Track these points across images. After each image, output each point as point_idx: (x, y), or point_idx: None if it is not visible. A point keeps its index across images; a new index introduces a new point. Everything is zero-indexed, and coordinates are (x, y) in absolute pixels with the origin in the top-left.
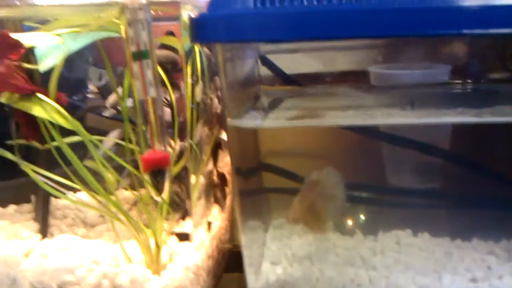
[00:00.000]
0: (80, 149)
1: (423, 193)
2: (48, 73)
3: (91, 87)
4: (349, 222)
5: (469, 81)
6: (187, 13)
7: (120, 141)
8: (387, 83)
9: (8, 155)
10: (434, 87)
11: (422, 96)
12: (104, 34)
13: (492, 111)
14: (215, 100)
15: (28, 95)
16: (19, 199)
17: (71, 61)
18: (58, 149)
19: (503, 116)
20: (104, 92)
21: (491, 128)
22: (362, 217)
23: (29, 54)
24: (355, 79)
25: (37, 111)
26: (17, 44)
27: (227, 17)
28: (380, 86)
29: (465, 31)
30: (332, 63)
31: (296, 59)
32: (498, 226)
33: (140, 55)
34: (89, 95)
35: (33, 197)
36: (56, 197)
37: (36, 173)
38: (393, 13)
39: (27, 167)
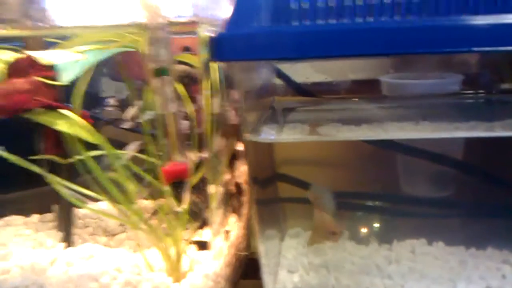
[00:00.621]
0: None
1: (437, 202)
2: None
3: (110, 100)
4: (365, 231)
5: (481, 91)
6: (204, 30)
7: (139, 154)
8: (399, 93)
9: (35, 168)
10: (446, 98)
11: (434, 107)
12: (118, 49)
13: (503, 124)
14: (232, 112)
15: (53, 111)
16: (39, 208)
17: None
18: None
19: None
20: (122, 105)
21: (504, 139)
22: (377, 226)
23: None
24: (367, 88)
25: (61, 126)
26: (38, 64)
27: (244, 36)
28: (392, 96)
29: (475, 48)
30: (343, 72)
31: (307, 68)
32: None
33: (160, 72)
34: (108, 108)
35: (55, 207)
36: (78, 207)
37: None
38: (404, 32)
39: (52, 179)
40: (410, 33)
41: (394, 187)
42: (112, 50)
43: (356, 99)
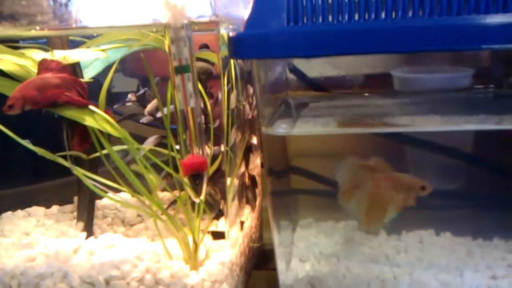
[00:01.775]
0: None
1: (446, 194)
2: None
3: (129, 95)
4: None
5: (491, 86)
6: (224, 28)
7: (158, 149)
8: (410, 87)
9: (61, 161)
10: (457, 92)
11: (445, 101)
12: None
13: None
14: (247, 107)
15: (81, 107)
16: (59, 200)
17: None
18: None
19: None
20: (142, 100)
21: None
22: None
23: (76, 67)
24: (379, 82)
25: (88, 121)
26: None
27: (263, 35)
28: (403, 91)
29: (485, 46)
30: (356, 67)
31: (320, 63)
32: None
33: (181, 69)
34: (128, 103)
35: (75, 198)
36: (101, 197)
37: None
38: (418, 30)
39: (78, 172)
40: (426, 31)
41: None
42: (133, 48)
43: (368, 94)
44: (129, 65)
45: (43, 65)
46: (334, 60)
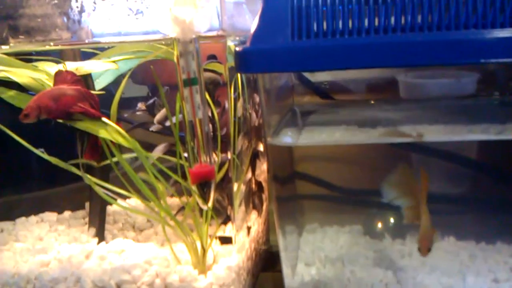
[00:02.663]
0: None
1: (450, 199)
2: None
3: (139, 105)
4: (379, 226)
5: (496, 93)
6: (231, 41)
7: (167, 157)
8: (416, 92)
9: (74, 169)
10: (461, 100)
11: (449, 109)
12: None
13: None
14: (253, 114)
15: (93, 118)
16: (71, 206)
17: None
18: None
19: None
20: (151, 109)
21: None
22: (391, 222)
23: (88, 79)
24: (385, 88)
25: (101, 132)
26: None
27: (268, 50)
28: (408, 99)
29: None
30: (361, 72)
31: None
32: None
33: (190, 82)
34: (138, 112)
35: (87, 204)
36: (111, 204)
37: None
38: (416, 44)
39: (90, 180)
40: (426, 46)
41: None
42: (145, 59)
43: (373, 101)
44: (138, 73)
45: (59, 77)
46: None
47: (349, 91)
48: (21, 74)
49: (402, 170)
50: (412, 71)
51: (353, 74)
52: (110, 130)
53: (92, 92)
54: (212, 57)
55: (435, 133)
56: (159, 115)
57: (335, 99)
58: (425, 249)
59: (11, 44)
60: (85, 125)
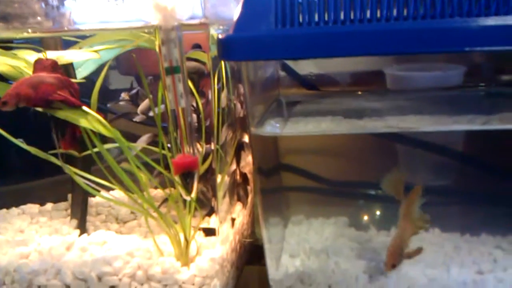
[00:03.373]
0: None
1: (435, 191)
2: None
3: (123, 94)
4: (365, 218)
5: (482, 84)
6: (215, 29)
7: (151, 147)
8: (403, 85)
9: (54, 159)
10: (448, 91)
11: (435, 100)
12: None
13: (500, 117)
14: (238, 105)
15: (73, 107)
16: (53, 197)
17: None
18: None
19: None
20: (134, 99)
21: (500, 131)
22: (376, 213)
23: (69, 68)
24: (372, 80)
25: (82, 122)
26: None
27: (251, 38)
28: (395, 90)
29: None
30: (348, 64)
31: (311, 61)
32: (506, 222)
33: (172, 70)
34: (121, 102)
35: (69, 196)
36: (93, 195)
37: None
38: (400, 33)
39: (70, 170)
40: (407, 33)
41: None
42: (126, 48)
43: (360, 93)
44: (124, 63)
45: (39, 65)
46: (326, 59)
47: (336, 83)
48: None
49: (394, 176)
50: (399, 63)
51: (340, 66)
52: (90, 119)
53: (73, 80)
54: (197, 47)
55: (420, 124)
56: (142, 105)
57: (322, 90)
58: (389, 265)
59: None
60: (64, 114)
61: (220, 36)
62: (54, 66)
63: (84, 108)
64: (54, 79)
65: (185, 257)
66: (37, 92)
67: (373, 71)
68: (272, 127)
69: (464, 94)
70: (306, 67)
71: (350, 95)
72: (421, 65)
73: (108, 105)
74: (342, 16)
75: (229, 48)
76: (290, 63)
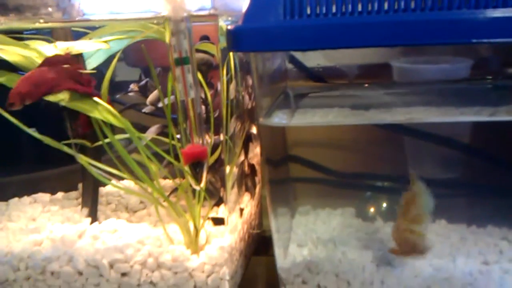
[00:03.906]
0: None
1: (442, 183)
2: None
3: (132, 86)
4: (371, 209)
5: (489, 77)
6: (224, 21)
7: (160, 137)
8: (410, 78)
9: (66, 149)
10: (455, 83)
11: (443, 93)
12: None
13: (507, 109)
14: (246, 97)
15: (84, 97)
16: (64, 187)
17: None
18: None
19: None
20: (143, 90)
21: (507, 123)
22: (384, 205)
23: (79, 58)
24: (378, 73)
25: (92, 112)
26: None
27: (260, 29)
28: (402, 82)
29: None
30: (355, 57)
31: (318, 53)
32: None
33: (181, 61)
34: (130, 93)
35: (80, 185)
36: (104, 184)
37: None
38: (407, 24)
39: (83, 160)
40: (417, 25)
41: (401, 168)
42: (136, 39)
43: (367, 85)
44: (132, 55)
45: (46, 61)
46: (333, 51)
47: (343, 75)
48: (12, 52)
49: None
50: (406, 56)
51: (348, 59)
52: (101, 110)
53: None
54: (205, 38)
55: (426, 115)
56: (151, 96)
57: (329, 82)
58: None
59: (1, 21)
60: (75, 104)
61: (229, 27)
62: (66, 62)
63: (95, 98)
64: (55, 73)
65: (194, 245)
66: (39, 88)
67: (380, 63)
68: (279, 118)
69: (471, 86)
70: (313, 59)
71: (357, 87)
72: (428, 57)
73: (117, 96)
74: (350, 8)
75: (238, 39)
76: (297, 55)
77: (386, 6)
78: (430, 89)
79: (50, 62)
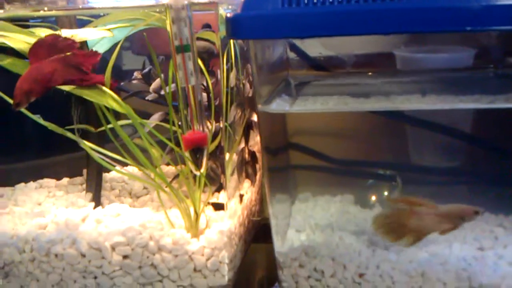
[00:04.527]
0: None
1: (441, 170)
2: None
3: (135, 73)
4: (370, 197)
5: (490, 65)
6: (224, 9)
7: (162, 124)
8: (413, 66)
9: (70, 135)
10: (456, 72)
11: (444, 81)
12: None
13: (506, 97)
14: (247, 85)
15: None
16: (70, 172)
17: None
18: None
19: None
20: (147, 78)
21: (506, 111)
22: (383, 192)
23: (83, 46)
24: (381, 61)
25: (94, 97)
26: (62, 41)
27: (258, 17)
28: (404, 71)
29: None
30: (357, 46)
31: (320, 41)
32: (510, 202)
33: (182, 49)
34: (133, 81)
35: (85, 171)
36: (108, 170)
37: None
38: (409, 12)
39: (86, 145)
40: (417, 13)
41: (400, 156)
42: (138, 27)
43: (369, 73)
44: (136, 43)
45: (33, 52)
46: (336, 40)
47: (345, 64)
48: (17, 40)
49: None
50: (409, 44)
51: (350, 48)
52: (103, 95)
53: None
54: (207, 26)
55: (425, 102)
56: (154, 84)
57: (331, 72)
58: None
59: (7, 8)
60: (79, 91)
61: (228, 15)
62: (55, 43)
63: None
64: (53, 64)
65: (195, 229)
66: (40, 84)
67: (383, 52)
68: (278, 105)
69: (473, 75)
70: (315, 48)
71: (359, 76)
72: (430, 47)
73: (122, 83)
74: None
75: (236, 26)
76: (299, 44)
77: None
78: (432, 77)
79: (35, 53)
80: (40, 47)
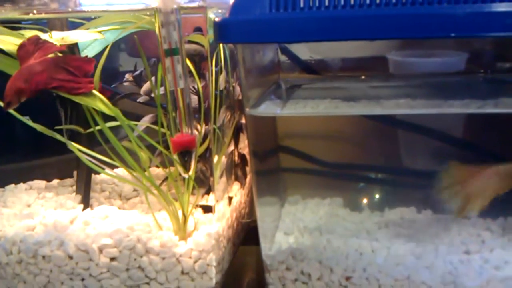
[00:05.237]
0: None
1: (430, 174)
2: None
3: (127, 76)
4: (359, 200)
5: (481, 71)
6: (214, 13)
7: (152, 126)
8: (405, 71)
9: (59, 136)
10: (447, 76)
11: (435, 85)
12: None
13: (496, 102)
14: (237, 88)
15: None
16: (60, 174)
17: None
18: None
19: (505, 108)
20: (138, 80)
21: (495, 116)
22: (372, 195)
23: (74, 48)
24: (374, 65)
25: (82, 100)
26: (44, 43)
27: (246, 21)
28: (396, 75)
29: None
30: (349, 50)
31: (312, 45)
32: (497, 206)
33: (171, 52)
34: (125, 83)
35: (75, 173)
36: (97, 173)
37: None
38: (396, 18)
39: (74, 147)
40: (394, 19)
41: (390, 159)
42: (129, 30)
43: (362, 77)
44: (131, 45)
45: (22, 51)
46: (328, 43)
47: (338, 68)
48: (7, 41)
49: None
50: (402, 49)
51: (342, 52)
52: (92, 98)
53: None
54: (199, 30)
55: (415, 107)
56: (145, 86)
57: (323, 75)
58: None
59: None
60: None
61: (216, 19)
62: (39, 46)
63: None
64: (44, 65)
65: (182, 232)
66: (30, 84)
67: (376, 56)
68: (266, 108)
69: (464, 80)
70: (307, 52)
71: (351, 79)
72: (423, 51)
73: (112, 86)
74: (334, 2)
75: (223, 30)
76: (291, 47)
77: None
78: (423, 82)
79: (25, 52)
80: (24, 48)
